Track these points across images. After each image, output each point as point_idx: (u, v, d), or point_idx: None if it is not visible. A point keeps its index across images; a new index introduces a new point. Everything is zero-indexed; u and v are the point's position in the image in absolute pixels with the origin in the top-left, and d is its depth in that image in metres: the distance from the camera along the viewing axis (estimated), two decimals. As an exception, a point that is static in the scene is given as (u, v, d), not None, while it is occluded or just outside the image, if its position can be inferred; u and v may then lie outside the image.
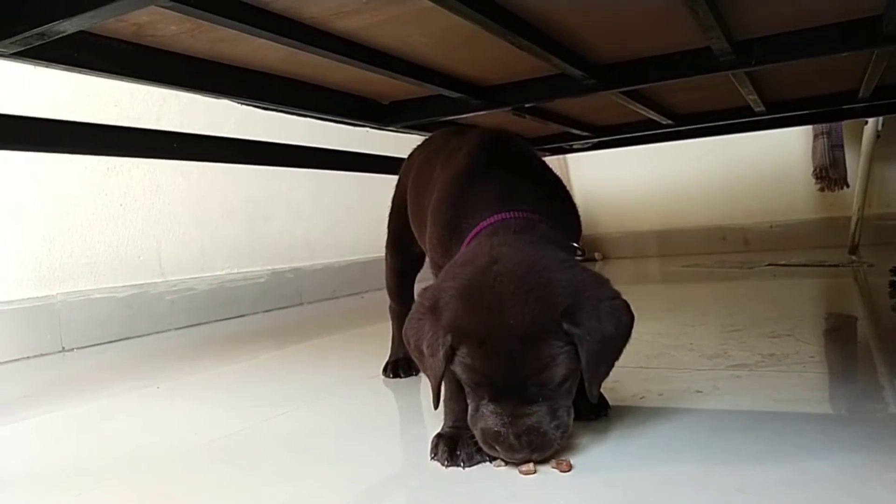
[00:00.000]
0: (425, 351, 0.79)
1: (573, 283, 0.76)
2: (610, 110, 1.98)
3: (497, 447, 0.76)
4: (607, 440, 0.86)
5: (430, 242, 0.97)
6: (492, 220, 0.86)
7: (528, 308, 0.73)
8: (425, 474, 0.80)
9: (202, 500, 0.78)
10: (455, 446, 0.81)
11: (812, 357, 1.23)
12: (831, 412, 0.95)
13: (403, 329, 0.85)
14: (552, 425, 0.76)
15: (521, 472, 0.76)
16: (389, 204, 1.39)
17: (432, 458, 0.83)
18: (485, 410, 0.76)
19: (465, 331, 0.75)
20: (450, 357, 0.77)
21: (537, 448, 0.75)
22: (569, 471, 0.76)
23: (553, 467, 0.77)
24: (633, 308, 0.81)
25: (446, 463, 0.80)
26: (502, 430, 0.75)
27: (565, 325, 0.73)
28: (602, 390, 0.97)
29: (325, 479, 0.82)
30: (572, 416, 0.79)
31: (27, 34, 0.87)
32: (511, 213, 0.86)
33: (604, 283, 0.81)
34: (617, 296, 0.80)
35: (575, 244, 0.91)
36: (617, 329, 0.77)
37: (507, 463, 0.78)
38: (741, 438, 0.83)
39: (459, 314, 0.76)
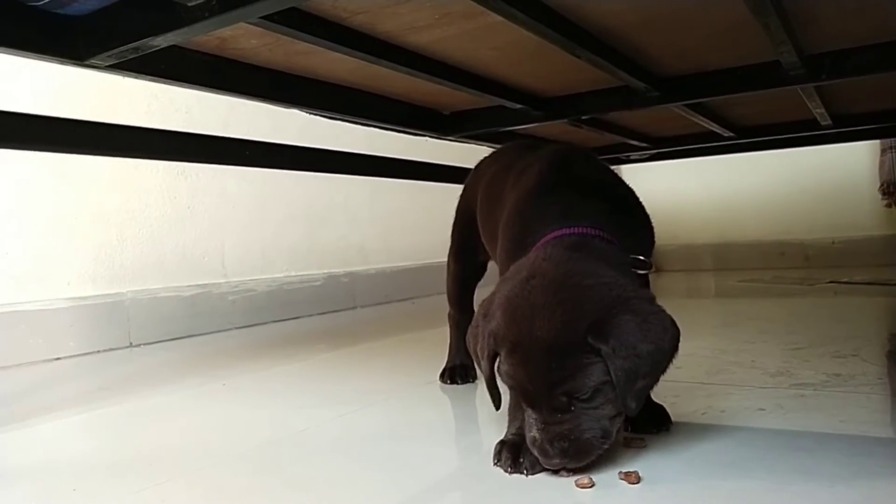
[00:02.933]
0: (479, 354, 0.85)
1: (606, 298, 0.77)
2: (669, 122, 1.96)
3: (535, 452, 0.78)
4: (671, 454, 0.86)
5: (500, 256, 1.01)
6: (550, 236, 0.89)
7: (553, 320, 0.76)
8: (488, 481, 0.81)
9: (272, 499, 0.81)
10: (518, 453, 0.82)
11: (879, 378, 1.20)
12: (902, 436, 0.93)
13: (467, 334, 0.90)
14: (590, 434, 0.77)
15: (576, 484, 0.77)
16: (454, 213, 1.40)
17: (495, 464, 0.84)
18: (528, 417, 0.80)
19: (501, 338, 0.80)
20: (493, 361, 0.82)
21: (570, 455, 0.77)
22: (637, 483, 0.76)
23: (621, 479, 0.77)
24: (678, 322, 0.80)
25: (509, 470, 0.82)
26: (537, 435, 0.77)
27: (590, 340, 0.75)
28: (663, 404, 0.97)
29: (388, 483, 0.84)
30: (617, 426, 0.80)
31: (123, 48, 0.93)
32: (569, 229, 0.88)
33: (644, 298, 0.81)
34: (659, 311, 0.80)
35: (642, 258, 0.91)
36: (657, 344, 0.77)
37: (571, 472, 0.79)
38: (808, 458, 0.82)
39: (498, 322, 0.81)
